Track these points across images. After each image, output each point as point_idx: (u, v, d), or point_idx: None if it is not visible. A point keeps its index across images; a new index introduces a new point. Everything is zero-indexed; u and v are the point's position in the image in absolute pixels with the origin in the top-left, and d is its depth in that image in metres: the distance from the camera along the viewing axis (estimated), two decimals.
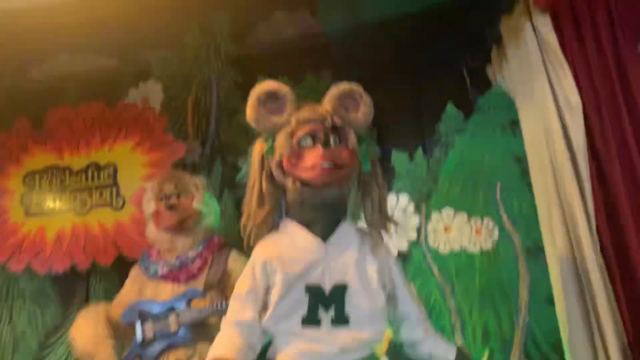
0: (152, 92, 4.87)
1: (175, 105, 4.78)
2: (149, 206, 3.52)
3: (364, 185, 2.40)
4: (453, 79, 4.12)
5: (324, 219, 2.35)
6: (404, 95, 4.26)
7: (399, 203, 4.01)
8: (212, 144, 4.63)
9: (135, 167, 4.59)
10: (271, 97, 2.35)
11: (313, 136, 2.31)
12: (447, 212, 3.98)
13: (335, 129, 2.35)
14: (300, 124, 2.31)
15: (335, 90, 2.38)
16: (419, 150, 4.25)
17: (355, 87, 2.41)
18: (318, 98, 2.46)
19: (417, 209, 4.05)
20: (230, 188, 4.43)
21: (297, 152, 2.28)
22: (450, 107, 4.19)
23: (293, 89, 2.61)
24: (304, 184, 2.27)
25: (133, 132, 4.69)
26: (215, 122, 4.67)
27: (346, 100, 2.40)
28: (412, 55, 4.13)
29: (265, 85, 2.34)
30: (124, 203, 4.61)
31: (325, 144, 2.30)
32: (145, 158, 4.63)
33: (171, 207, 3.34)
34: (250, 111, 2.33)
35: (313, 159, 2.24)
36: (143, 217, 3.63)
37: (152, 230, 3.51)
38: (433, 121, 4.16)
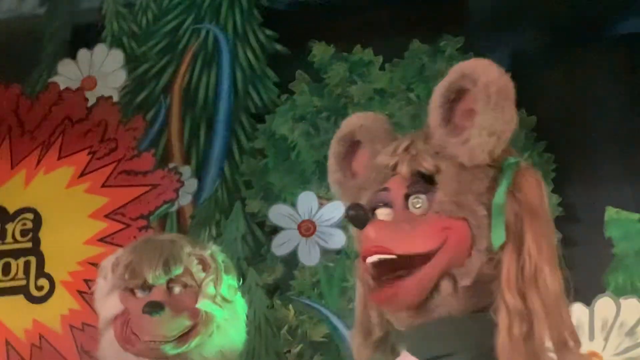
0: (104, 67, 3.61)
1: (147, 94, 3.49)
2: (109, 303, 2.42)
3: (493, 282, 1.47)
4: None
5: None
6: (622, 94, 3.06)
7: (619, 318, 2.80)
8: (219, 172, 3.31)
9: (76, 218, 3.39)
10: (352, 145, 1.70)
11: (385, 202, 1.57)
12: None
13: (421, 178, 1.53)
14: (370, 181, 1.62)
15: (438, 87, 1.55)
16: None
17: (468, 67, 1.51)
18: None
19: None
20: (260, 265, 3.20)
21: None
22: None
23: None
24: None
25: (73, 145, 3.46)
26: (226, 130, 3.38)
27: (456, 104, 1.53)
28: None
29: (343, 128, 1.72)
30: (51, 290, 3.43)
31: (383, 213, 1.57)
32: (97, 201, 3.37)
33: (155, 309, 2.26)
34: (330, 178, 1.73)
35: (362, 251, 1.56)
36: (94, 321, 2.59)
37: (111, 352, 2.39)
38: None
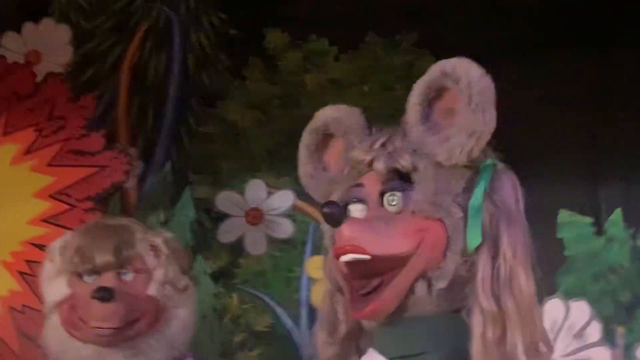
0: (50, 43, 3.47)
1: (94, 72, 3.41)
2: (56, 287, 2.38)
3: (467, 285, 1.45)
4: None
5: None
6: (578, 98, 3.11)
7: (568, 320, 2.85)
8: (166, 156, 3.25)
9: (20, 196, 3.29)
10: (324, 137, 1.65)
11: (359, 198, 1.54)
12: None
13: (397, 176, 1.49)
14: (343, 176, 1.60)
15: (418, 85, 1.51)
16: (615, 215, 3.02)
17: (450, 66, 1.47)
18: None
19: (608, 334, 2.94)
20: (205, 252, 3.16)
21: None
22: None
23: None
24: None
25: (19, 122, 3.35)
26: (175, 113, 3.30)
27: (435, 102, 1.51)
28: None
29: (316, 119, 1.65)
30: None
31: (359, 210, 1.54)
32: (42, 180, 3.24)
33: (105, 296, 2.21)
34: (300, 171, 1.69)
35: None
36: (35, 304, 2.78)
37: (56, 336, 2.35)
38: None
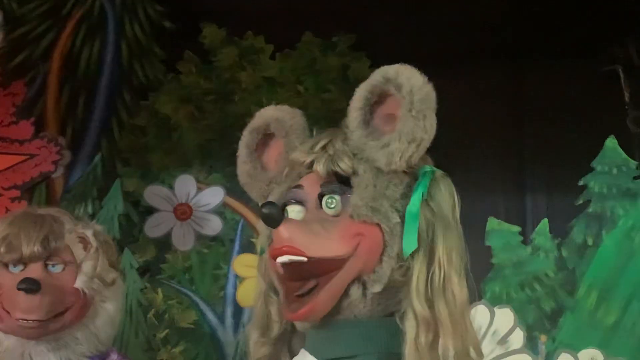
0: None
1: (24, 58, 3.25)
2: None
3: (402, 289, 1.47)
4: (608, 89, 3.02)
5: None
6: (506, 110, 3.11)
7: (492, 326, 2.88)
8: (95, 147, 3.14)
9: None
10: (265, 137, 1.65)
11: (297, 200, 1.54)
12: (591, 355, 2.93)
13: (337, 179, 1.50)
14: (282, 176, 1.61)
15: (360, 89, 1.51)
16: (542, 225, 3.02)
17: (393, 72, 1.46)
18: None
19: (531, 341, 2.95)
20: (131, 245, 3.09)
21: None
22: (610, 143, 3.05)
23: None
24: None
25: None
26: (106, 104, 3.20)
27: (376, 107, 1.50)
28: (521, 34, 3.08)
29: (257, 119, 1.65)
30: None
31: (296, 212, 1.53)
32: None
33: (31, 288, 2.14)
34: (239, 169, 1.67)
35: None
36: None
37: None
38: (571, 168, 3.03)
